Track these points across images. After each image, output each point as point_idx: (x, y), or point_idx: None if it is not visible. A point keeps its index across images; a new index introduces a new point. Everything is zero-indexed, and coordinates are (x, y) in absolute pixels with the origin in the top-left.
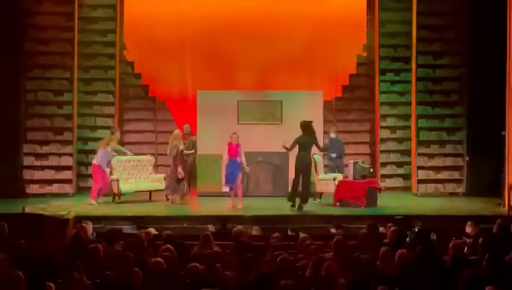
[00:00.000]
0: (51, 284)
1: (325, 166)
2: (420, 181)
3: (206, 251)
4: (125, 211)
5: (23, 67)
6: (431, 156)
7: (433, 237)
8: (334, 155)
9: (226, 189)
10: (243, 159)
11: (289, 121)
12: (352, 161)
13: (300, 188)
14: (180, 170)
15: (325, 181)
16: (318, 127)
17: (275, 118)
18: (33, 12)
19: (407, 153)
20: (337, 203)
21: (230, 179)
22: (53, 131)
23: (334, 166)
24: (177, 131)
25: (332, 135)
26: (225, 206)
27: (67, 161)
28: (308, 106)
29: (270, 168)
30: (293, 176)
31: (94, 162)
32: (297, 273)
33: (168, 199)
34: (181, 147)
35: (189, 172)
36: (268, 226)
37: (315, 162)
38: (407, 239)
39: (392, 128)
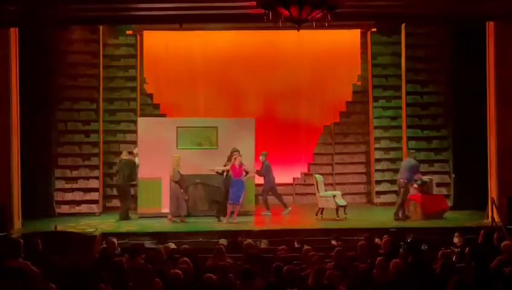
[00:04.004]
0: None
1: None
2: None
3: (220, 262)
4: (147, 227)
5: (54, 100)
6: (421, 174)
7: (424, 247)
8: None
9: (166, 210)
10: (244, 173)
11: (224, 145)
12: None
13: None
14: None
15: (326, 198)
16: (250, 151)
17: (212, 144)
18: (64, 52)
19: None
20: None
21: (234, 198)
22: (81, 157)
23: (267, 186)
24: (177, 156)
25: (261, 158)
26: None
27: (94, 183)
28: (241, 132)
29: (207, 190)
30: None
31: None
32: (302, 282)
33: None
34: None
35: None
36: (276, 239)
37: (316, 181)
38: (401, 249)
39: (385, 150)
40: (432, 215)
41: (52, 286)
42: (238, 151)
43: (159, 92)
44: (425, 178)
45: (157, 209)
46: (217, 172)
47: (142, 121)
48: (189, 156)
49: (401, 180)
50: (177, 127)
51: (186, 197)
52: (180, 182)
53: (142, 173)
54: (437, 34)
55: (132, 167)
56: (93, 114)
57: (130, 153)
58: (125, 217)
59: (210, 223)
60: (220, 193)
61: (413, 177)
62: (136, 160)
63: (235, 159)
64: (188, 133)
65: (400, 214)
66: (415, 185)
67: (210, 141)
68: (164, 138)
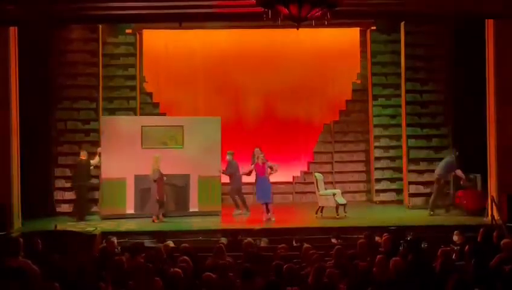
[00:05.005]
0: None
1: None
2: (411, 195)
3: (219, 261)
4: (146, 226)
5: (54, 99)
6: (420, 172)
7: (424, 245)
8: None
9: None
10: (269, 169)
11: (190, 144)
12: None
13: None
14: (160, 193)
15: (326, 196)
16: (216, 150)
17: (177, 143)
18: (63, 51)
19: (399, 170)
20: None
21: (261, 196)
22: None
23: (234, 186)
24: (157, 155)
25: (228, 158)
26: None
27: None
28: (207, 131)
29: (173, 189)
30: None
31: None
32: (302, 280)
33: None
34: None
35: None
36: (276, 237)
37: (316, 179)
38: (401, 248)
39: (385, 148)
40: (474, 212)
41: (56, 286)
42: (259, 149)
43: (158, 90)
44: (472, 175)
45: (121, 210)
46: (243, 174)
47: (105, 120)
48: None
49: (436, 176)
50: (142, 126)
51: (157, 198)
52: (158, 181)
53: (106, 173)
54: (437, 33)
55: (86, 168)
56: (93, 113)
57: (93, 153)
58: (80, 217)
59: (207, 222)
60: (185, 192)
61: (448, 173)
62: (96, 160)
63: (257, 157)
64: (153, 132)
65: (435, 209)
66: (462, 182)
67: (176, 140)
68: (128, 137)
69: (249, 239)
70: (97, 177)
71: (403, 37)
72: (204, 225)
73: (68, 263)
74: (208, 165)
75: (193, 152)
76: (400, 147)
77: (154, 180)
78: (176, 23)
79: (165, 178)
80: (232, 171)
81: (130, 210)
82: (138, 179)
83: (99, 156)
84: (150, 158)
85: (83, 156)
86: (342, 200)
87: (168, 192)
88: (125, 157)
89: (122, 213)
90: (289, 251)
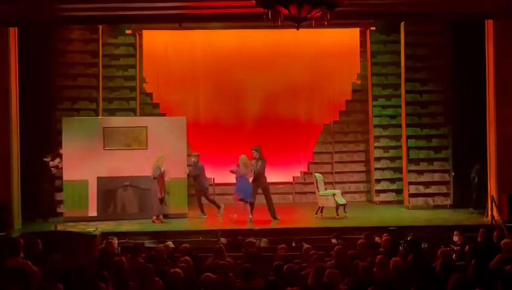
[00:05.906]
0: None
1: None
2: (411, 195)
3: (220, 261)
4: (146, 227)
5: (54, 99)
6: (420, 172)
7: (424, 245)
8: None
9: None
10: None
11: (154, 146)
12: None
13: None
14: (161, 190)
15: (326, 197)
16: (182, 151)
17: (141, 144)
18: (63, 51)
19: (399, 170)
20: None
21: (242, 193)
22: None
23: (199, 188)
24: (159, 154)
25: (193, 159)
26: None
27: None
28: (172, 131)
29: (137, 192)
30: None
31: None
32: (302, 281)
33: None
34: (163, 169)
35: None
36: (276, 238)
37: (316, 179)
38: (401, 248)
39: (385, 148)
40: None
41: (59, 286)
42: (255, 149)
43: (158, 91)
44: None
45: (83, 212)
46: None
47: (66, 121)
48: (117, 158)
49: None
50: (104, 127)
51: (159, 196)
52: (158, 178)
53: (68, 175)
54: (436, 33)
55: (48, 169)
56: (93, 114)
57: (56, 154)
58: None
59: (207, 223)
60: (150, 195)
61: (480, 174)
62: (56, 161)
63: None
64: (116, 134)
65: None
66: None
67: (139, 141)
68: (90, 138)
69: (250, 239)
70: (60, 178)
71: (402, 37)
72: (204, 225)
73: (68, 264)
74: (174, 167)
75: (157, 153)
76: (399, 147)
77: (154, 178)
78: (176, 23)
79: (166, 179)
80: (196, 173)
81: (93, 212)
82: (101, 180)
83: (61, 157)
84: (112, 160)
85: (48, 157)
86: (341, 200)
87: (132, 195)
88: (87, 159)
89: (84, 216)
90: (289, 251)
